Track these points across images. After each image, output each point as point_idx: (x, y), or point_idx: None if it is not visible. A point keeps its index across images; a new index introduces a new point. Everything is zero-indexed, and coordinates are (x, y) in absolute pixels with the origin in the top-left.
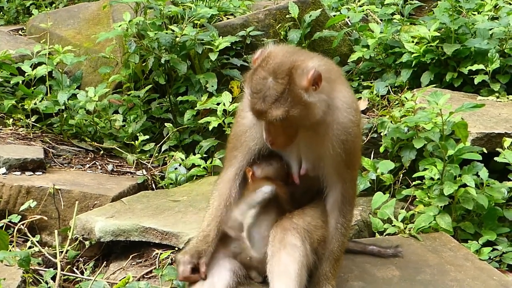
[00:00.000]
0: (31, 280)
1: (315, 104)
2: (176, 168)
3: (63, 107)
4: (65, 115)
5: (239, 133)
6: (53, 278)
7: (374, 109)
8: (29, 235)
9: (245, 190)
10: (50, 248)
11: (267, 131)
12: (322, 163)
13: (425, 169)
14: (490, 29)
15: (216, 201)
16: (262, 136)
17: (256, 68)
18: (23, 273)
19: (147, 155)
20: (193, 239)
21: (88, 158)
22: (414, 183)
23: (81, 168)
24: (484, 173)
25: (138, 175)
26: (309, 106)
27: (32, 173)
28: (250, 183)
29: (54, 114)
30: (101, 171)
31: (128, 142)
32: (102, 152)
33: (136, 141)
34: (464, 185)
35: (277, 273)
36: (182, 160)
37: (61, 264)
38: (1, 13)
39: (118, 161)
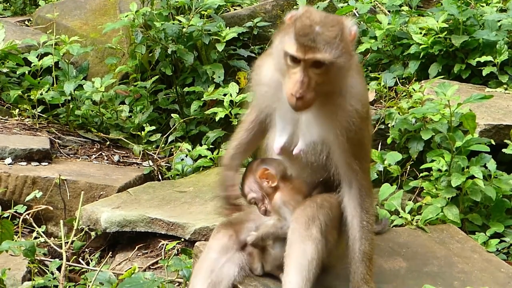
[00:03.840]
0: (36, 270)
1: (353, 61)
2: (182, 159)
3: (69, 98)
4: (71, 106)
5: (252, 88)
6: (59, 269)
7: (381, 100)
8: (34, 225)
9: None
10: (56, 239)
11: (301, 80)
12: (325, 148)
13: (432, 161)
14: (499, 21)
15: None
16: (273, 99)
17: (296, 20)
18: (29, 263)
19: (154, 146)
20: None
21: (94, 149)
22: (421, 174)
23: (87, 158)
24: (492, 164)
25: (144, 166)
26: (352, 59)
27: (38, 164)
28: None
29: (60, 105)
30: (107, 161)
31: (134, 133)
32: (108, 142)
33: (142, 132)
34: (472, 177)
35: (295, 265)
36: (189, 151)
37: (66, 255)
38: (8, 4)
39: (124, 152)
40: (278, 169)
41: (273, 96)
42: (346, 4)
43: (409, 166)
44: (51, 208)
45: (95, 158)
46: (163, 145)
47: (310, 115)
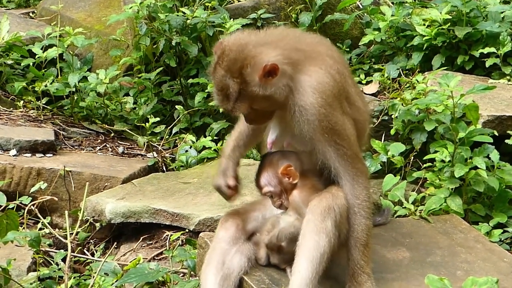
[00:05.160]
0: (41, 261)
1: (274, 92)
2: (186, 151)
3: (73, 89)
4: (75, 98)
5: None
6: (64, 260)
7: (385, 92)
8: (40, 216)
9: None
10: (61, 230)
11: (244, 118)
12: (305, 139)
13: (436, 152)
14: (502, 12)
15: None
16: None
17: (215, 64)
18: (34, 254)
19: (158, 138)
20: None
21: (99, 140)
22: (425, 165)
23: (91, 150)
24: (495, 155)
25: (149, 157)
26: (268, 97)
27: (42, 155)
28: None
29: (64, 97)
30: (111, 153)
31: (138, 124)
32: (112, 134)
33: (146, 124)
34: (475, 168)
35: (307, 256)
36: (193, 142)
37: (71, 246)
38: None
39: (128, 143)
40: (297, 165)
41: None
42: None
43: (412, 157)
44: (56, 199)
45: (100, 149)
46: (167, 137)
47: (279, 116)
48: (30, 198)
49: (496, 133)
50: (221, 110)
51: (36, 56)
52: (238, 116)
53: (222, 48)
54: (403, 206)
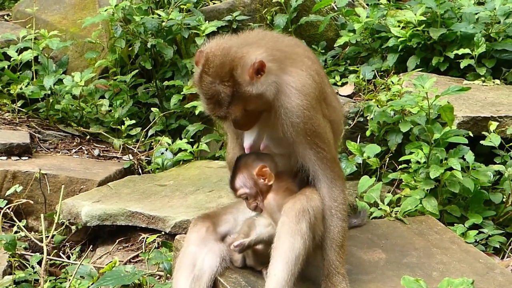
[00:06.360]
0: (17, 264)
1: (265, 89)
2: (162, 153)
3: (49, 92)
4: (51, 100)
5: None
6: (39, 263)
7: (360, 93)
8: (15, 219)
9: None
10: (36, 233)
11: (233, 122)
12: (284, 142)
13: (411, 153)
14: (476, 13)
15: None
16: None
17: (200, 73)
18: (9, 257)
19: (134, 140)
20: None
21: (74, 143)
22: (400, 166)
23: (67, 153)
24: (470, 156)
25: (125, 160)
26: (260, 95)
27: (18, 158)
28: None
29: (40, 99)
30: (87, 156)
31: (114, 127)
32: (88, 137)
33: (122, 126)
34: (450, 169)
35: (283, 258)
36: (169, 144)
37: (47, 249)
38: None
39: (104, 146)
40: (272, 166)
41: None
42: None
43: (388, 158)
44: (32, 202)
45: (75, 152)
46: (143, 139)
47: (262, 119)
48: (6, 201)
49: (471, 134)
50: (213, 118)
51: (11, 59)
52: (223, 123)
53: (205, 56)
54: (378, 208)
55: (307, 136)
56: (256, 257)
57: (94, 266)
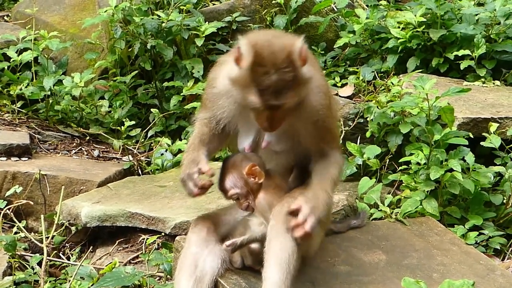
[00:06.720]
0: (17, 265)
1: (310, 77)
2: (162, 154)
3: (48, 93)
4: (50, 101)
5: (208, 100)
6: (39, 264)
7: (360, 94)
8: (15, 220)
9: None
10: (36, 234)
11: (270, 119)
12: (294, 139)
13: (411, 154)
14: (476, 15)
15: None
16: (230, 108)
17: (251, 65)
18: (9, 258)
19: (133, 141)
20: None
21: (74, 144)
22: (400, 168)
23: (67, 153)
24: (470, 158)
25: (124, 161)
26: (309, 81)
27: (17, 159)
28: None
29: (39, 100)
30: (87, 156)
31: (114, 128)
32: (88, 138)
33: (122, 127)
34: (451, 170)
35: (275, 259)
36: (168, 145)
37: (47, 250)
38: None
39: (104, 147)
40: (260, 164)
41: (232, 109)
42: None
43: (388, 160)
44: (31, 203)
45: (75, 153)
46: (142, 140)
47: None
48: (6, 202)
49: (471, 135)
50: (261, 109)
51: (11, 60)
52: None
53: (252, 49)
54: (378, 209)
55: (322, 131)
56: (253, 257)
57: (94, 267)
